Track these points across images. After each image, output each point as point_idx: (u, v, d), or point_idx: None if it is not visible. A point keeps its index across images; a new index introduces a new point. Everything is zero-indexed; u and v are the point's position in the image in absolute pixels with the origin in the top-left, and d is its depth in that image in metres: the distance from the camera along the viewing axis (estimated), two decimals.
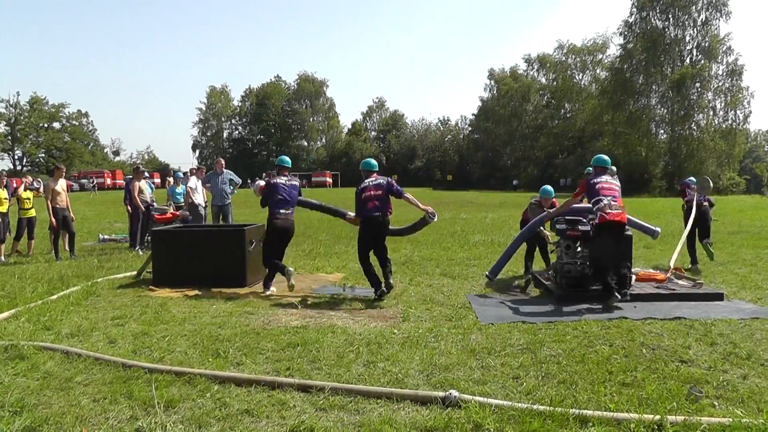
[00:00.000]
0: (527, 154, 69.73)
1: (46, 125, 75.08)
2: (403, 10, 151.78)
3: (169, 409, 3.55)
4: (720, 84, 51.23)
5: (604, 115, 56.35)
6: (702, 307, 6.26)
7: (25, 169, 69.22)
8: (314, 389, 3.78)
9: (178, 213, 11.92)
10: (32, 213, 11.13)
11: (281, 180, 7.59)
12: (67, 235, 10.84)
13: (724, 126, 51.09)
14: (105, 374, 4.15)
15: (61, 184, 10.77)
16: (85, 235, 14.66)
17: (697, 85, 50.73)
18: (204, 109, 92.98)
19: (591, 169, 7.52)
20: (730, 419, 3.23)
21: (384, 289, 6.82)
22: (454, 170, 74.11)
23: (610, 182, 6.88)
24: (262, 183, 8.36)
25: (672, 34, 52.62)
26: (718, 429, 3.17)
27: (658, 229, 8.19)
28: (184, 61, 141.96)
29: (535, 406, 3.41)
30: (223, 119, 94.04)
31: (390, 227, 7.41)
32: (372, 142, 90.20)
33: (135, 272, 8.66)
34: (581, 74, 68.20)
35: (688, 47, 52.78)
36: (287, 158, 8.02)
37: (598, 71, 65.41)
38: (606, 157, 7.35)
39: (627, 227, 7.29)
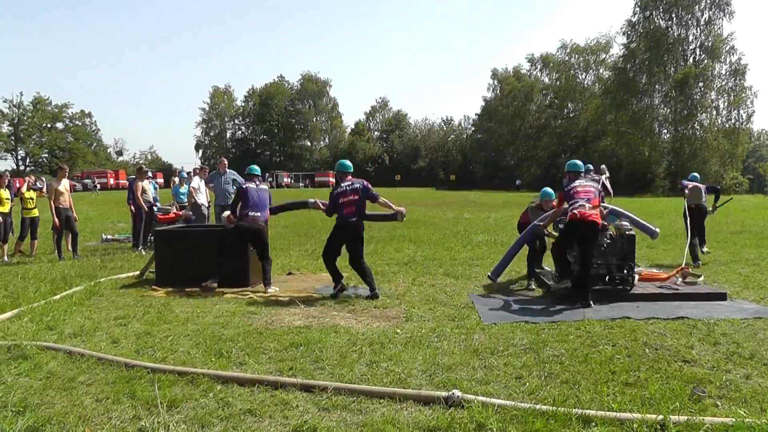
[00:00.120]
0: (530, 154, 69.57)
1: (49, 125, 75.22)
2: (404, 10, 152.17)
3: (172, 409, 3.55)
4: (723, 83, 51.09)
5: (607, 115, 56.28)
6: (705, 307, 6.24)
7: (28, 169, 69.35)
8: (317, 389, 3.78)
9: (181, 213, 11.95)
10: (35, 213, 11.15)
11: (252, 185, 7.86)
12: (70, 235, 10.87)
13: (727, 126, 50.92)
14: (108, 374, 4.16)
15: (64, 184, 10.80)
16: (88, 235, 14.68)
17: (701, 84, 50.61)
18: (207, 109, 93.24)
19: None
20: (733, 419, 3.22)
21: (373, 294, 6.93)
22: (457, 170, 74.15)
23: (584, 185, 6.93)
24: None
25: (675, 34, 52.47)
26: (720, 429, 3.17)
27: (658, 230, 8.19)
28: (186, 61, 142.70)
29: (538, 406, 3.41)
30: (226, 119, 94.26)
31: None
32: (375, 142, 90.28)
33: (138, 272, 8.68)
34: (584, 74, 68.07)
35: (691, 47, 52.60)
36: (256, 167, 8.41)
37: (601, 71, 65.24)
38: (578, 162, 7.52)
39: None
